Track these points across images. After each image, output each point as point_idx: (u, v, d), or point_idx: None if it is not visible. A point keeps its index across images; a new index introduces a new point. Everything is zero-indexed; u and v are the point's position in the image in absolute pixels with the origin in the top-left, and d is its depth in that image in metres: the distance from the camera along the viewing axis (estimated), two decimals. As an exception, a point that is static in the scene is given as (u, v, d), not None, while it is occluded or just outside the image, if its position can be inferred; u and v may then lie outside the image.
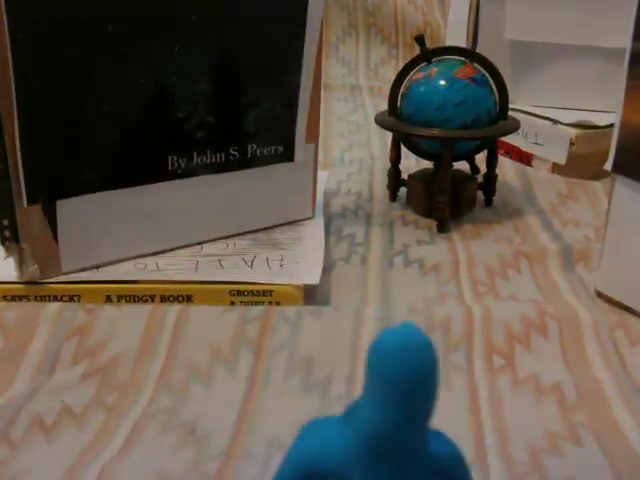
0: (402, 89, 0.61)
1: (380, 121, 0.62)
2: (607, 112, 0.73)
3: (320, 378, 0.40)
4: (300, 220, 0.57)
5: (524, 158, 0.76)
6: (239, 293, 0.46)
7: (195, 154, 0.50)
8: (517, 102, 0.76)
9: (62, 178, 0.45)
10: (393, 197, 0.65)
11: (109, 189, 0.47)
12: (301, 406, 0.38)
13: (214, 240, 0.53)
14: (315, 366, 0.41)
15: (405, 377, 0.21)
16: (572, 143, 0.71)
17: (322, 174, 0.62)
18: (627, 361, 0.42)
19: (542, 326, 0.44)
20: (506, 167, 0.74)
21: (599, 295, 0.49)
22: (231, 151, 0.52)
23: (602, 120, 0.71)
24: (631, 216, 0.46)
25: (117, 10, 0.44)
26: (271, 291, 0.46)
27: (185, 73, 0.48)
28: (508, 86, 0.61)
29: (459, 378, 0.40)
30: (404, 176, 0.65)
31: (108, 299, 0.46)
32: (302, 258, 0.51)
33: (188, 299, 0.46)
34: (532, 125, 0.74)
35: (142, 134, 0.47)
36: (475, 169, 0.64)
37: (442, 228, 0.59)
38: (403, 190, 0.65)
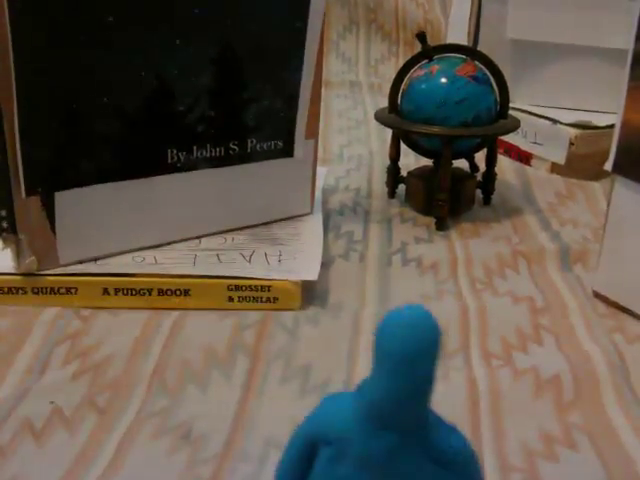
0: (403, 86, 0.61)
1: (380, 118, 0.62)
2: (607, 113, 0.73)
3: (317, 383, 0.40)
4: (299, 216, 0.57)
5: (523, 157, 0.76)
6: (237, 288, 0.46)
7: (195, 148, 0.50)
8: (517, 101, 0.75)
9: (61, 170, 0.45)
10: (392, 194, 0.65)
11: (108, 181, 0.47)
12: (298, 409, 0.37)
13: (213, 234, 0.53)
14: (312, 371, 0.41)
15: (405, 350, 0.22)
16: (572, 143, 0.71)
17: (321, 170, 0.62)
18: (626, 359, 0.42)
19: (538, 333, 0.44)
20: (505, 166, 0.74)
21: (596, 296, 0.49)
22: (231, 145, 0.51)
23: (602, 121, 0.71)
24: (630, 217, 0.46)
25: (118, 2, 0.44)
26: (269, 286, 0.46)
27: (186, 67, 0.48)
28: (508, 85, 0.61)
29: (457, 375, 0.40)
30: (403, 173, 0.65)
31: (105, 292, 0.46)
32: (300, 254, 0.51)
33: (186, 293, 0.46)
34: (532, 124, 0.74)
35: (142, 127, 0.47)
36: (474, 167, 0.64)
37: (440, 226, 0.59)
38: (402, 187, 0.65)
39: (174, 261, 0.49)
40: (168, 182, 0.50)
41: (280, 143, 0.54)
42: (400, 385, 0.23)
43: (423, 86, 0.59)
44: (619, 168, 0.46)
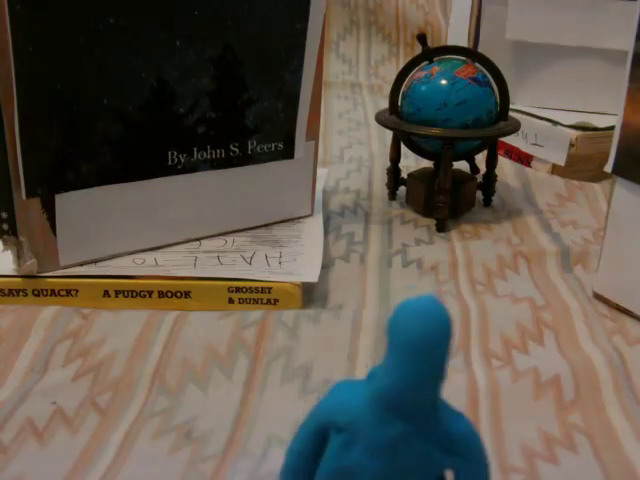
0: (403, 88, 0.61)
1: (381, 119, 0.62)
2: (607, 114, 0.73)
3: (317, 383, 0.40)
4: (299, 217, 0.57)
5: (524, 159, 0.76)
6: (237, 290, 0.46)
7: (195, 150, 0.50)
8: (517, 103, 0.76)
9: (61, 172, 0.45)
10: (392, 196, 0.65)
11: (108, 183, 0.47)
12: (298, 409, 0.37)
13: (213, 236, 0.53)
14: (313, 371, 0.41)
15: (420, 338, 0.23)
16: (572, 145, 0.71)
17: (321, 171, 0.62)
18: (627, 360, 0.42)
19: (538, 334, 0.44)
20: (506, 168, 0.74)
21: (597, 297, 0.49)
22: (231, 147, 0.52)
23: (602, 122, 0.71)
24: (631, 218, 0.46)
25: (119, 3, 0.44)
26: (270, 288, 0.46)
27: (186, 68, 0.48)
28: (509, 86, 0.61)
29: (457, 376, 0.40)
30: (404, 175, 0.65)
31: (106, 294, 0.46)
32: (301, 256, 0.51)
33: (186, 295, 0.46)
34: (532, 126, 0.74)
35: (142, 129, 0.47)
36: (475, 169, 0.64)
37: (441, 227, 0.59)
38: (402, 189, 0.65)
39: (175, 263, 0.49)
40: (168, 184, 0.50)
41: (280, 145, 0.54)
42: (414, 373, 0.23)
43: (423, 88, 0.59)
44: (619, 169, 0.46)
